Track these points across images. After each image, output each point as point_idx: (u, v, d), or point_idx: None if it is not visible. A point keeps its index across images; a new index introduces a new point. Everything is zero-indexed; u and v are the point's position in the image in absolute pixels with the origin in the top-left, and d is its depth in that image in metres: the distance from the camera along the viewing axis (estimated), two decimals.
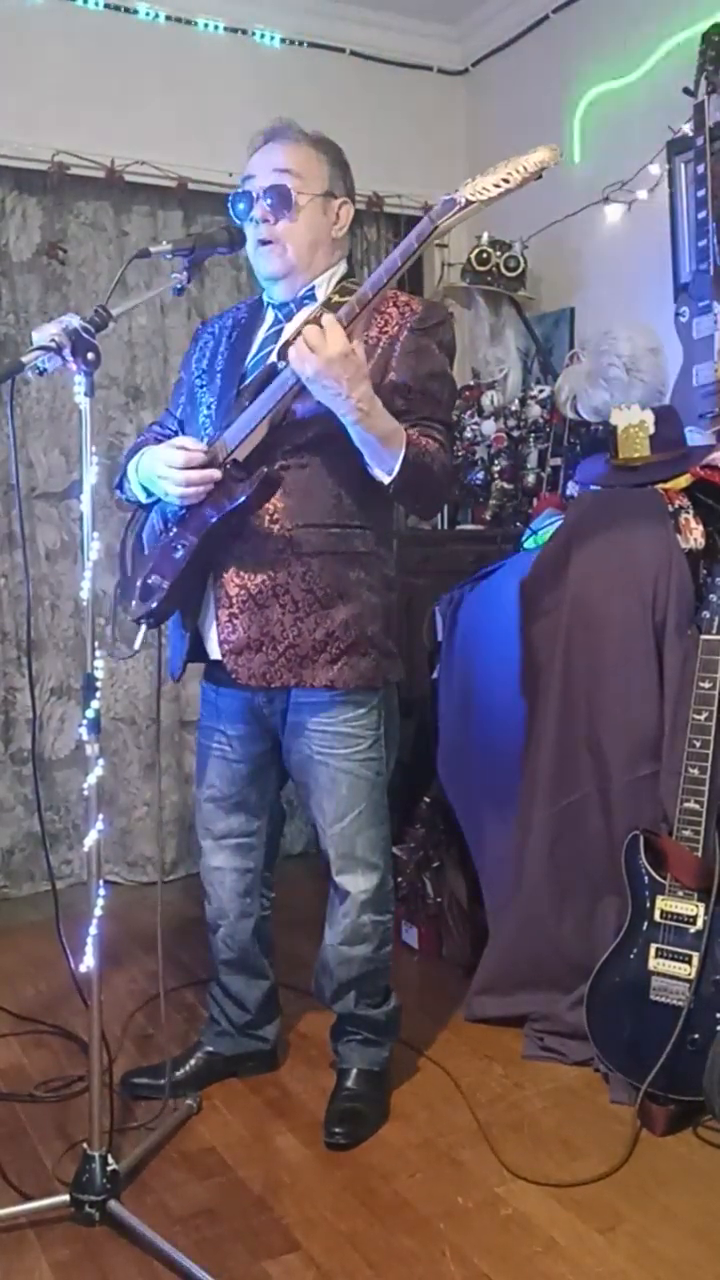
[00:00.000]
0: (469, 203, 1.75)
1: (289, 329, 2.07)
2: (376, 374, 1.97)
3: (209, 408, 2.13)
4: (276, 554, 2.02)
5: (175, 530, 2.06)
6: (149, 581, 2.07)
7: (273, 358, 2.04)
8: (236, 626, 2.04)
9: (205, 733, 2.27)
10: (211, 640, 2.09)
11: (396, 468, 1.91)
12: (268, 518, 2.02)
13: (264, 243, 2.05)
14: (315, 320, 1.82)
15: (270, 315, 2.16)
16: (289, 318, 2.10)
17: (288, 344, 1.99)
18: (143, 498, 2.14)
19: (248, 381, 2.06)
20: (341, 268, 2.15)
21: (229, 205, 2.09)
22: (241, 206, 2.06)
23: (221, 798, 2.25)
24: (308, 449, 2.01)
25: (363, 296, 1.83)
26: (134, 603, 2.11)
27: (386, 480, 1.93)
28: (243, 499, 1.95)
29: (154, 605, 2.06)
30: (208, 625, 2.10)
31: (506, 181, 1.72)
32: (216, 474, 1.98)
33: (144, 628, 2.10)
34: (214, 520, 1.99)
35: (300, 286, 2.10)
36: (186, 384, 2.24)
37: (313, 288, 2.11)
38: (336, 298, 2.05)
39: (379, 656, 2.10)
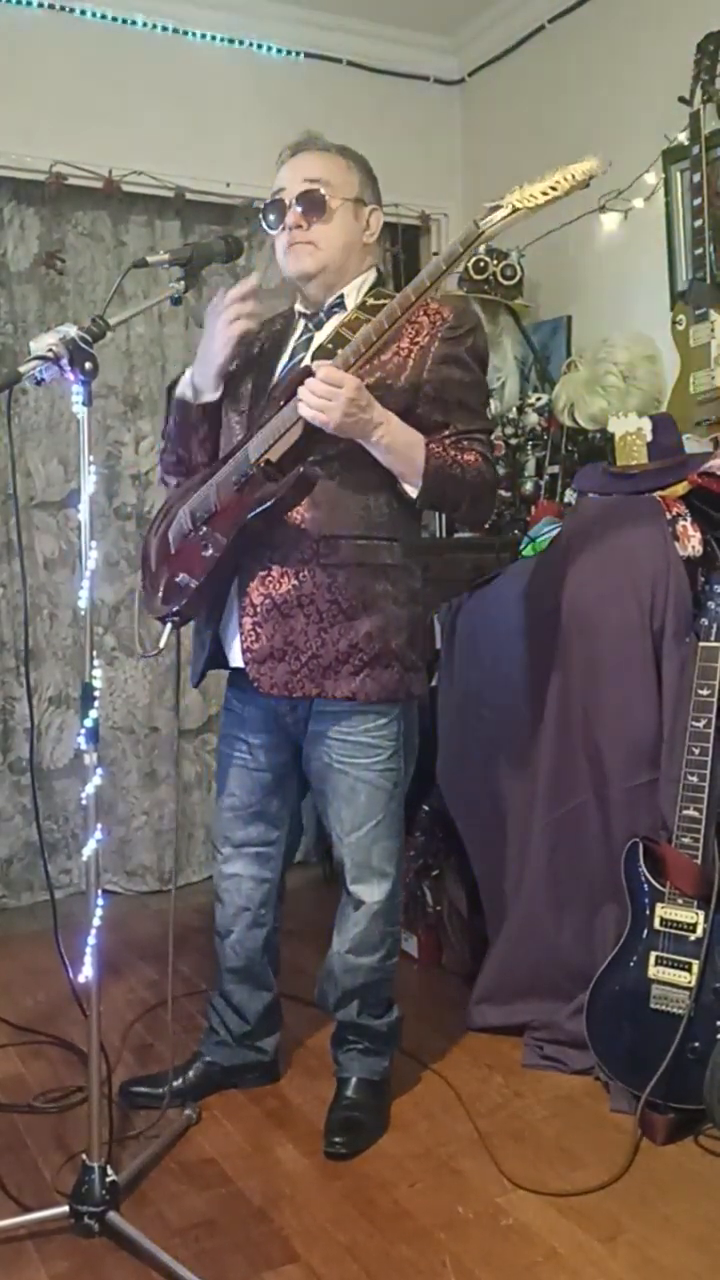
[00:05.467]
0: (515, 210, 1.76)
1: (320, 338, 2.09)
2: (409, 382, 1.99)
3: (239, 413, 2.14)
4: (302, 563, 2.02)
5: (205, 529, 2.05)
6: (176, 580, 2.07)
7: (306, 361, 2.04)
8: (260, 635, 2.03)
9: (227, 741, 2.27)
10: (234, 648, 2.09)
11: (420, 482, 1.95)
12: (295, 527, 2.02)
13: (295, 243, 2.06)
14: (306, 373, 1.86)
15: (300, 324, 2.16)
16: (319, 327, 2.11)
17: (321, 348, 2.00)
18: (209, 391, 2.15)
19: (276, 384, 2.07)
20: (371, 276, 2.15)
21: (260, 217, 2.10)
22: (272, 217, 2.07)
23: (242, 806, 2.24)
24: (337, 459, 2.01)
25: (405, 299, 1.85)
26: (159, 601, 2.11)
27: (414, 495, 1.97)
28: (276, 498, 1.95)
29: (181, 604, 2.06)
30: (230, 632, 2.10)
31: (554, 189, 1.74)
32: (253, 281, 2.05)
33: (168, 627, 2.10)
34: (248, 519, 1.98)
35: (329, 289, 2.10)
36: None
37: (341, 296, 2.11)
38: (371, 300, 2.07)
39: (402, 669, 2.09)
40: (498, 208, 1.77)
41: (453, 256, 1.83)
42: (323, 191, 2.04)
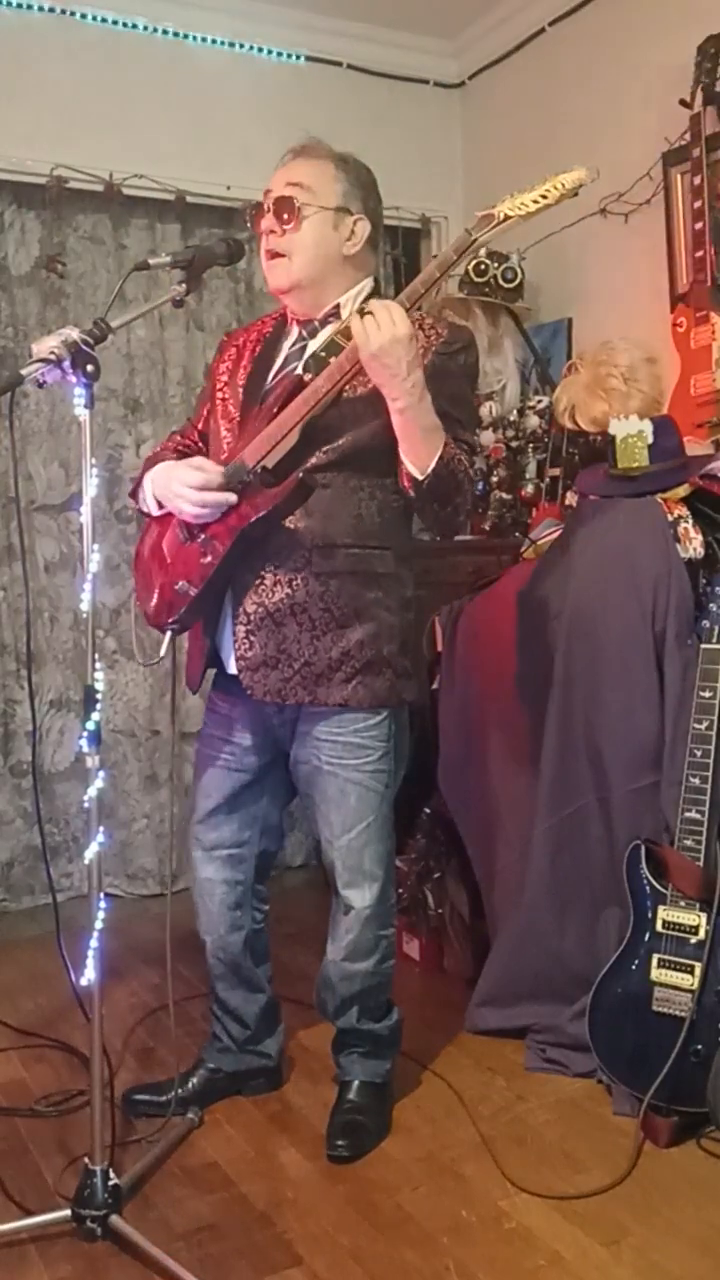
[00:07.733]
0: (507, 218, 1.81)
1: (313, 346, 2.08)
2: None
3: (230, 421, 2.14)
4: (295, 572, 2.02)
5: (203, 536, 2.05)
6: (176, 587, 2.08)
7: (299, 370, 2.04)
8: (253, 643, 2.04)
9: (208, 742, 2.26)
10: (229, 655, 2.09)
11: (433, 465, 1.92)
12: (289, 535, 2.02)
13: (271, 256, 2.07)
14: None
15: (295, 331, 2.16)
16: (312, 335, 2.11)
17: (315, 356, 2.00)
18: (155, 510, 2.14)
19: (268, 390, 2.07)
20: (368, 285, 2.15)
21: (248, 219, 2.12)
22: (250, 217, 2.10)
23: (215, 808, 2.24)
24: (331, 468, 2.01)
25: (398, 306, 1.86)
26: (157, 609, 2.11)
27: (420, 477, 1.93)
28: (275, 505, 1.96)
29: (180, 612, 2.06)
30: (224, 640, 2.10)
31: (545, 198, 1.79)
32: (232, 497, 1.99)
33: (169, 635, 2.10)
34: (245, 526, 1.98)
35: (313, 303, 2.10)
36: (209, 393, 2.25)
37: (338, 305, 2.11)
38: (367, 309, 2.06)
39: (394, 676, 2.09)
40: (490, 217, 1.82)
41: (446, 264, 1.87)
42: (299, 198, 2.04)
